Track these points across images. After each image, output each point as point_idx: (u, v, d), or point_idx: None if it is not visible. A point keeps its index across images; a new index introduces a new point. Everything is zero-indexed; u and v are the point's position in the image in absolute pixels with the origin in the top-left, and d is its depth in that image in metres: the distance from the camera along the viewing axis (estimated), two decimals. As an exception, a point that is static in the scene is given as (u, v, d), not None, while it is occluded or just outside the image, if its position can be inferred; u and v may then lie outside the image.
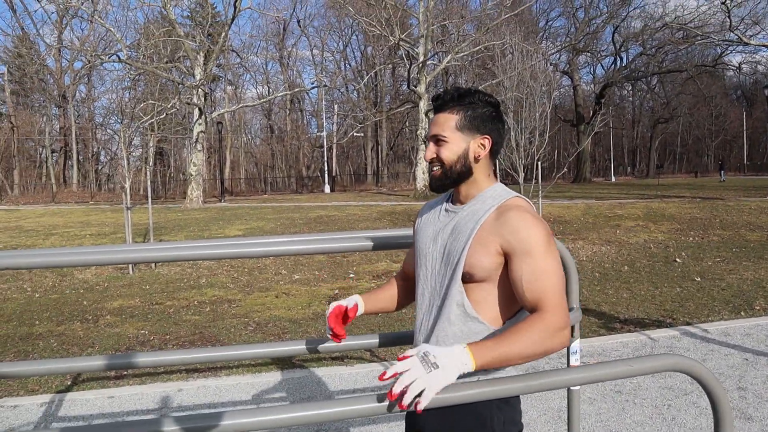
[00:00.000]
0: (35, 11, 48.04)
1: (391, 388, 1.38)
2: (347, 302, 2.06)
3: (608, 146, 57.58)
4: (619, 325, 6.78)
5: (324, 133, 45.69)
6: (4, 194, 42.78)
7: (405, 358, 1.44)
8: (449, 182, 1.80)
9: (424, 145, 28.27)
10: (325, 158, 44.81)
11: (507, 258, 1.67)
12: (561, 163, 45.77)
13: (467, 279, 1.71)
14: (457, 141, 1.77)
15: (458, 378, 1.46)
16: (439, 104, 1.81)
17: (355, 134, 48.44)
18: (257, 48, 56.87)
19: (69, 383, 5.21)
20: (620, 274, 9.91)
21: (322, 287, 9.56)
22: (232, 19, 28.50)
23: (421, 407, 1.39)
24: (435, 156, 1.80)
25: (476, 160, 1.79)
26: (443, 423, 1.73)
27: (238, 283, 9.99)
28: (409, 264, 2.13)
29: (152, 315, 7.97)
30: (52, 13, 45.80)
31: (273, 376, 5.23)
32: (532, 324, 1.55)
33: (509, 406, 1.75)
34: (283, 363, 5.59)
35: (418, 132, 28.77)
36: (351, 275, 10.40)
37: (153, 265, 11.27)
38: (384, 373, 1.39)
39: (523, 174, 11.97)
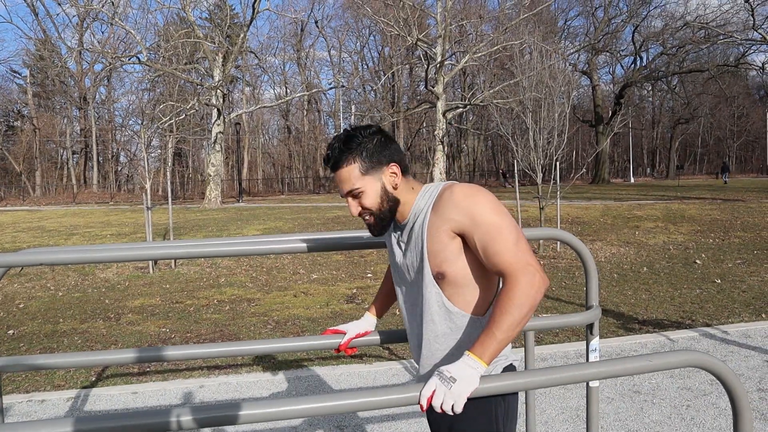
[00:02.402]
0: (57, 15, 48.59)
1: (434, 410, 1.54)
2: (356, 329, 2.21)
3: (627, 147, 57.06)
4: (638, 325, 6.77)
5: (341, 134, 45.77)
6: (26, 195, 43.39)
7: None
8: (387, 222, 1.84)
9: (441, 146, 28.24)
10: (343, 159, 44.87)
11: (462, 237, 1.73)
12: (579, 163, 45.51)
13: (440, 278, 1.78)
14: (371, 184, 1.79)
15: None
16: (334, 163, 1.79)
17: (372, 135, 48.34)
18: (275, 49, 57.10)
19: (93, 379, 5.31)
20: (639, 276, 9.86)
21: (340, 286, 9.62)
22: (251, 21, 28.73)
23: (458, 411, 1.51)
24: (360, 209, 1.82)
25: (395, 188, 1.82)
26: (458, 425, 1.83)
27: (257, 283, 10.07)
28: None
29: (173, 313, 8.07)
30: (74, 16, 46.47)
31: (293, 374, 5.30)
32: (506, 295, 1.62)
33: (510, 399, 1.86)
34: (303, 360, 5.66)
35: (436, 132, 28.75)
36: (368, 274, 10.45)
37: (173, 264, 11.39)
38: (422, 406, 1.51)
39: (541, 174, 11.95)
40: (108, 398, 4.83)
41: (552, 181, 12.26)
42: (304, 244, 2.39)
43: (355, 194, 1.80)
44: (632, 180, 49.59)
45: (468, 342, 1.77)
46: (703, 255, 11.43)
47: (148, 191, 11.59)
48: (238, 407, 1.46)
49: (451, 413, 1.51)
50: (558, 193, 11.90)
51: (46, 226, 17.77)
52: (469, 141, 59.44)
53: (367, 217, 1.83)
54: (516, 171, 12.98)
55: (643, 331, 6.50)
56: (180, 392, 4.92)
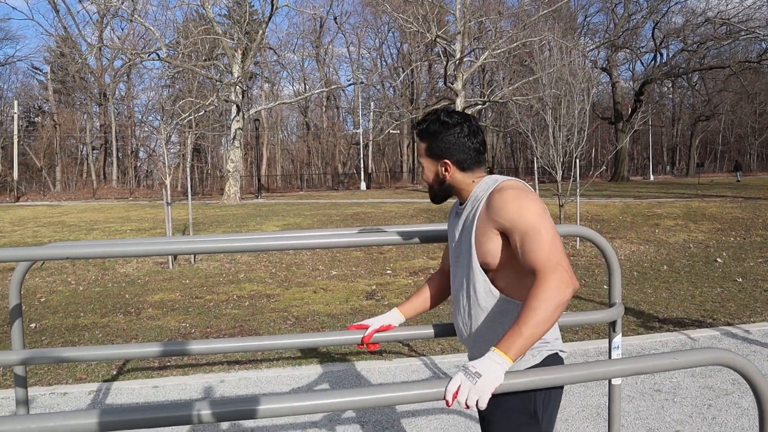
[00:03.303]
0: (78, 12, 49.16)
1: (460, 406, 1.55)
2: (379, 323, 2.26)
3: (647, 144, 56.61)
4: (658, 324, 6.71)
5: (360, 131, 45.91)
6: (46, 190, 43.91)
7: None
8: (439, 197, 2.08)
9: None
10: (361, 155, 45.01)
11: (505, 235, 1.85)
12: (599, 161, 45.19)
13: (487, 267, 1.89)
14: (429, 165, 2.04)
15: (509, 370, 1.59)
16: (417, 133, 2.07)
17: (391, 131, 48.54)
18: (294, 45, 57.28)
19: (114, 373, 5.36)
20: (659, 274, 9.78)
21: (360, 283, 9.63)
22: (269, 17, 28.80)
23: (483, 408, 1.55)
24: (422, 175, 2.08)
25: (445, 179, 2.02)
26: (495, 403, 1.88)
27: (276, 278, 10.12)
28: (445, 260, 2.33)
29: (192, 308, 8.13)
30: (94, 13, 46.92)
31: (313, 369, 5.32)
32: (534, 293, 1.67)
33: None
34: (323, 356, 5.67)
35: (454, 129, 28.66)
36: (388, 271, 10.46)
37: (192, 259, 11.47)
38: (448, 402, 1.54)
39: (560, 171, 11.88)
40: (129, 392, 4.88)
41: (571, 179, 12.19)
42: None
43: (420, 164, 2.06)
44: (652, 178, 49.18)
45: None
46: (724, 253, 11.31)
47: (168, 187, 11.68)
48: (258, 402, 1.47)
49: (476, 409, 1.51)
50: (578, 190, 11.83)
51: (66, 221, 17.98)
52: (488, 138, 59.20)
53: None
54: (534, 169, 12.91)
55: (664, 330, 6.45)
56: (200, 387, 4.96)
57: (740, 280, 9.03)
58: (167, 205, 11.24)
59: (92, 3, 31.65)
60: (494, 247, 1.86)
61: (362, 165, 43.81)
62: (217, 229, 15.12)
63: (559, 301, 1.65)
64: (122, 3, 28.38)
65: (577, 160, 11.91)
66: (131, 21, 31.68)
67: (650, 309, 7.41)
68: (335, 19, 54.55)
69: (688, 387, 4.62)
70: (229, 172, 27.48)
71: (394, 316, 2.27)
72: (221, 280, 10.12)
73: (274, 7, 27.88)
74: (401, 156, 61.20)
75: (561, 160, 11.84)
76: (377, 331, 2.23)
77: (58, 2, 49.30)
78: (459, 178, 1.99)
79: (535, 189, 12.83)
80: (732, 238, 12.93)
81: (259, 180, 36.33)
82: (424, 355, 5.63)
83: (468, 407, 1.52)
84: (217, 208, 22.20)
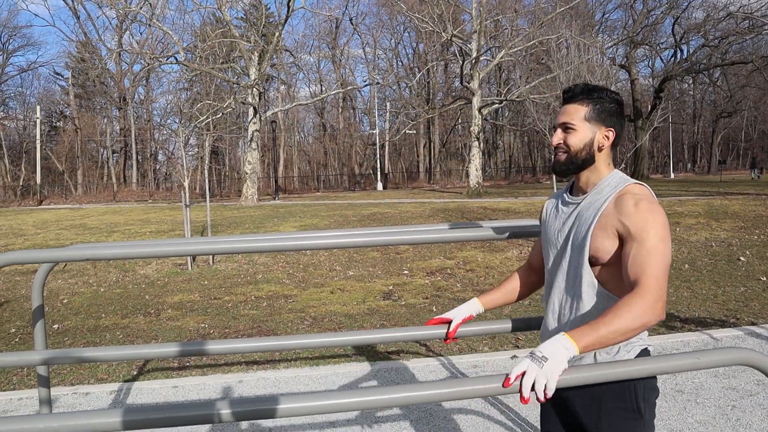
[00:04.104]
0: (97, 18, 49.69)
1: (521, 395, 1.53)
2: (461, 314, 2.27)
3: (667, 142, 56.11)
4: (680, 323, 6.64)
5: (376, 131, 45.90)
6: (68, 193, 44.42)
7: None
8: (573, 168, 1.97)
9: (477, 142, 28.08)
10: (378, 156, 45.03)
11: (621, 240, 1.81)
12: (618, 159, 44.76)
13: (594, 262, 1.88)
14: (585, 130, 1.94)
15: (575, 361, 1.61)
16: (570, 96, 1.97)
17: (407, 132, 48.54)
18: (310, 47, 57.50)
19: (135, 373, 5.41)
20: (680, 273, 9.67)
21: (377, 283, 9.63)
22: (286, 19, 28.91)
23: (550, 395, 1.53)
24: (562, 142, 1.96)
25: (599, 149, 1.95)
26: (595, 406, 1.91)
27: (294, 279, 10.14)
28: (535, 256, 2.29)
29: (211, 309, 8.17)
30: (113, 18, 47.42)
31: (330, 369, 5.32)
32: (627, 302, 1.65)
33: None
34: (340, 357, 5.68)
35: (471, 128, 28.59)
36: (405, 271, 10.44)
37: (211, 260, 11.54)
38: (508, 379, 1.53)
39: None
40: (149, 392, 4.92)
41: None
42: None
43: (566, 128, 1.95)
44: (672, 175, 48.73)
45: None
46: (748, 252, 11.16)
47: (186, 189, 11.76)
48: (277, 401, 1.47)
49: (542, 395, 1.51)
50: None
51: (87, 224, 18.17)
52: (505, 137, 59.09)
53: (560, 153, 1.97)
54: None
55: (686, 330, 6.38)
56: (219, 387, 4.99)
57: (764, 279, 8.91)
58: (186, 207, 11.32)
59: (112, 9, 31.92)
60: (609, 244, 1.83)
61: (378, 165, 43.83)
62: (235, 230, 15.20)
63: (643, 322, 1.64)
64: (141, 8, 28.62)
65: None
66: (150, 25, 31.90)
67: (672, 308, 7.33)
68: (351, 20, 54.65)
69: (711, 388, 4.56)
70: (247, 173, 27.65)
71: (474, 306, 2.27)
72: (239, 281, 10.17)
73: (290, 9, 27.99)
74: (417, 156, 61.17)
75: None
76: (461, 323, 2.25)
77: (79, 9, 49.92)
78: (605, 155, 1.96)
79: (553, 188, 12.74)
80: (755, 237, 12.75)
81: (276, 181, 36.52)
82: (442, 356, 5.61)
83: (534, 390, 1.51)
84: (234, 210, 22.32)
